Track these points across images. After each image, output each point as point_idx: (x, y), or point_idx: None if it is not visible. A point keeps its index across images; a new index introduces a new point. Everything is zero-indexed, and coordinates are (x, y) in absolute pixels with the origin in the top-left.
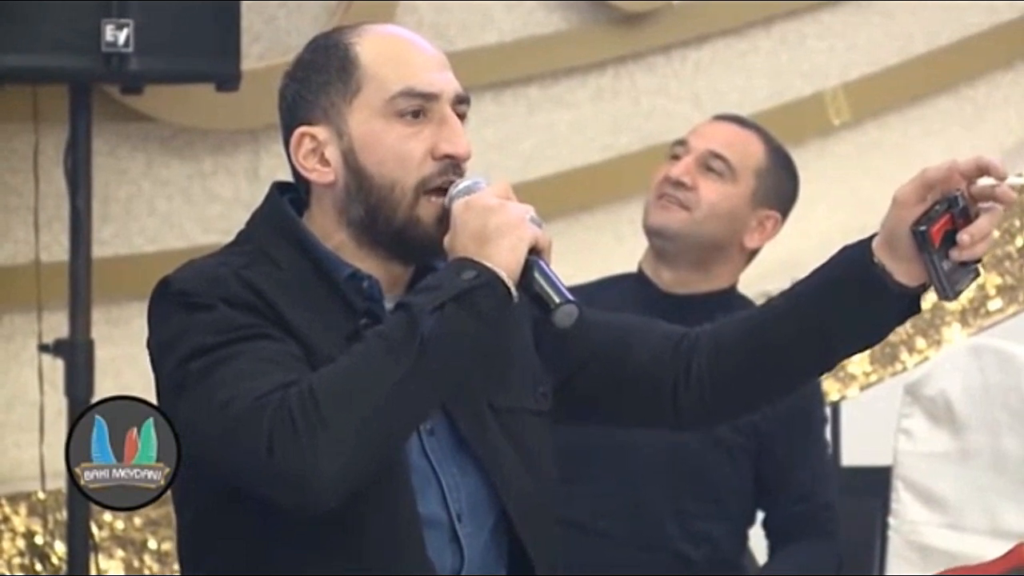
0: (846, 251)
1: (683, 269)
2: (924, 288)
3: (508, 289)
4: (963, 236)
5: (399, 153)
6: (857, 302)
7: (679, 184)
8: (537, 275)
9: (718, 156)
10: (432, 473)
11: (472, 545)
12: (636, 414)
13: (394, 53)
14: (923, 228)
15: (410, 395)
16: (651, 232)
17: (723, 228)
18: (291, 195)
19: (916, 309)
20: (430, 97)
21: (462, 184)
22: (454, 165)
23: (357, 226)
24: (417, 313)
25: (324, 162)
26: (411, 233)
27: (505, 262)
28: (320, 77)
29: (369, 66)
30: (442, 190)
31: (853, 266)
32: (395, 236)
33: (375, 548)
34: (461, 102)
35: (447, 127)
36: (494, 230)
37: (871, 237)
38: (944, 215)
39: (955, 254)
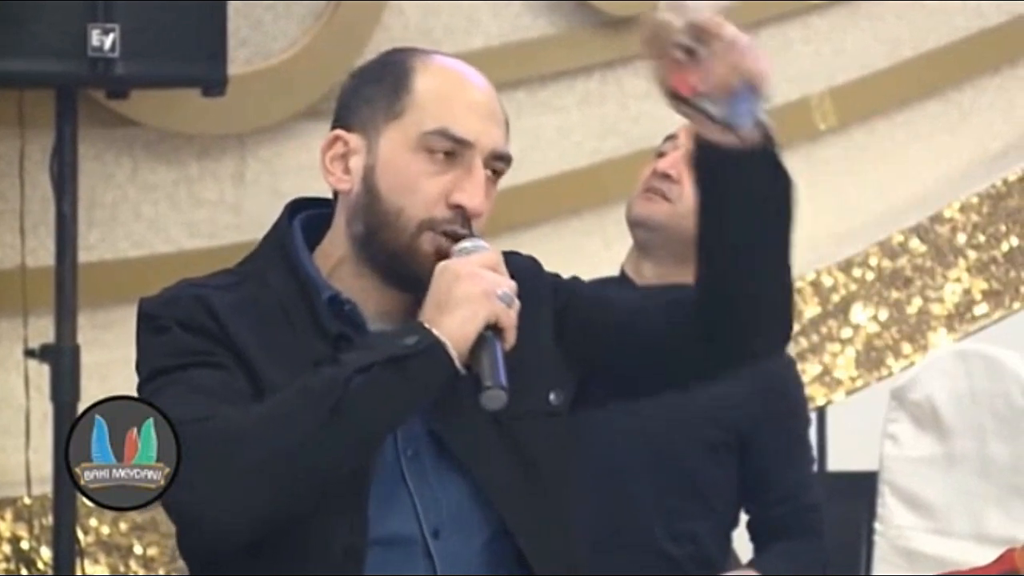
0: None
1: (665, 263)
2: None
3: (450, 359)
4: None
5: (415, 187)
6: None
7: (665, 176)
8: (483, 352)
9: None
10: (407, 494)
11: (453, 562)
12: (667, 374)
13: (447, 91)
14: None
15: (318, 448)
16: (633, 223)
17: None
18: (314, 210)
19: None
20: (463, 143)
21: (465, 244)
22: (464, 217)
23: (356, 242)
24: (347, 370)
25: (347, 170)
26: (404, 261)
27: (457, 333)
28: (372, 88)
29: (419, 95)
30: (446, 233)
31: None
32: (388, 260)
33: (310, 566)
34: (498, 159)
35: (469, 179)
36: (454, 299)
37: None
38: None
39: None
